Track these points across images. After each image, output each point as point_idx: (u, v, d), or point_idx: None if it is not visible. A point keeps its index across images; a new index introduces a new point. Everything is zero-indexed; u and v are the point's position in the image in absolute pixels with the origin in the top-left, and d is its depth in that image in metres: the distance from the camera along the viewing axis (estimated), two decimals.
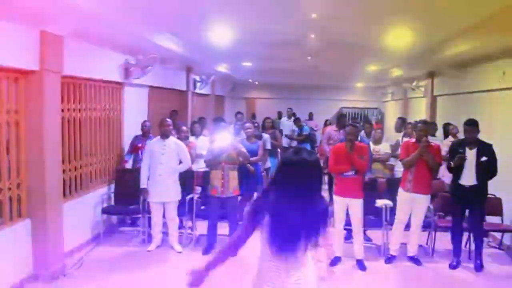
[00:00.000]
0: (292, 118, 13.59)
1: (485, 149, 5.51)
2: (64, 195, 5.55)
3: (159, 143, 6.00)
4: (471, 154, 5.53)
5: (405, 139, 7.32)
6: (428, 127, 5.92)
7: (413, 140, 5.91)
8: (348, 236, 6.15)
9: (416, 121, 6.19)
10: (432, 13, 5.25)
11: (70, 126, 5.80)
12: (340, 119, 8.00)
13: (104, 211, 6.37)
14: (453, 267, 5.71)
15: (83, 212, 6.08)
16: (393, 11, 5.21)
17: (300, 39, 7.27)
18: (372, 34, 6.63)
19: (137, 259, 5.75)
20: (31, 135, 4.78)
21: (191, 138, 7.51)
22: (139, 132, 7.14)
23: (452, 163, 5.65)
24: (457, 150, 5.63)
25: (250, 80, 17.14)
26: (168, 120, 6.13)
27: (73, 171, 5.91)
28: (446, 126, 8.26)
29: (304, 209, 2.36)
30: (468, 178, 5.55)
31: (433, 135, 8.54)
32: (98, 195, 6.46)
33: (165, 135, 6.01)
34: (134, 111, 7.58)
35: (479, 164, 5.48)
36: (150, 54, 6.98)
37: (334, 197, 5.72)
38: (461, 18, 5.30)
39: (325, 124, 14.62)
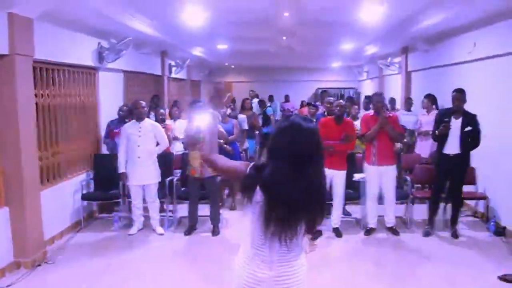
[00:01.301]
0: (257, 100, 13.64)
1: (470, 119, 5.60)
2: (42, 182, 5.50)
3: (135, 126, 5.95)
4: (456, 124, 5.63)
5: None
6: (382, 98, 6.00)
7: (371, 113, 6.00)
8: (327, 212, 6.25)
9: (374, 94, 6.26)
10: None
11: (45, 112, 5.71)
12: (322, 95, 8.09)
13: (84, 197, 6.32)
14: (426, 234, 5.88)
15: (63, 199, 6.02)
16: None
17: (274, 18, 7.24)
18: (346, 9, 6.64)
19: (119, 243, 5.74)
20: (4, 121, 4.69)
21: (169, 121, 7.48)
22: (116, 117, 7.05)
23: (437, 131, 5.75)
24: (442, 119, 5.72)
25: (226, 64, 17.06)
26: (142, 102, 6.07)
27: (50, 158, 5.85)
28: (409, 100, 8.78)
29: (303, 183, 2.05)
30: (452, 147, 5.65)
31: (409, 109, 8.71)
32: (77, 181, 6.39)
33: (140, 118, 5.97)
34: (110, 96, 7.50)
35: (463, 134, 5.58)
36: (124, 38, 6.89)
37: None
38: None
39: (301, 105, 14.72)
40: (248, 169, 2.14)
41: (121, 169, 5.97)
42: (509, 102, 5.89)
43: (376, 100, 5.91)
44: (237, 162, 2.31)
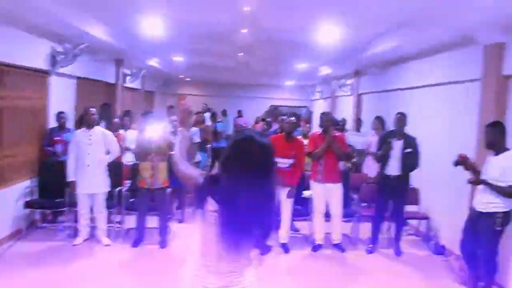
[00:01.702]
0: (209, 114, 13.66)
1: (410, 142, 5.86)
2: None
3: (85, 134, 5.83)
4: (397, 145, 5.86)
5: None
6: (332, 117, 6.18)
7: (319, 132, 6.17)
8: (276, 227, 6.32)
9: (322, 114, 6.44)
10: (358, 13, 5.51)
11: None
12: (274, 111, 8.21)
13: (27, 205, 6.09)
14: (369, 252, 6.07)
15: (4, 206, 5.77)
16: (324, 8, 5.40)
17: (232, 33, 7.32)
18: (303, 30, 6.81)
19: (63, 254, 5.56)
20: None
21: (120, 131, 7.37)
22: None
23: (379, 152, 5.96)
24: (386, 141, 5.95)
25: (181, 76, 17.00)
26: (92, 109, 5.94)
27: None
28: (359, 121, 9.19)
29: (257, 195, 2.10)
30: (393, 168, 5.88)
31: (358, 130, 9.00)
32: (21, 188, 6.16)
33: (90, 125, 5.86)
34: (61, 102, 7.27)
35: (403, 155, 5.82)
36: (79, 43, 6.77)
37: None
38: (384, 17, 5.58)
39: (256, 122, 14.85)
40: (201, 180, 2.19)
41: (70, 177, 5.81)
42: (450, 128, 6.21)
43: (324, 119, 6.06)
44: (195, 170, 2.35)
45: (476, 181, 4.53)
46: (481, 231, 4.48)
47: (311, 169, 6.19)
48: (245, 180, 2.08)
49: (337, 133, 6.13)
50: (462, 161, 4.67)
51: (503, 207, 4.34)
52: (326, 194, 5.98)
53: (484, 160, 4.63)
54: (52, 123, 6.89)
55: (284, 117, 6.11)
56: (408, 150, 5.80)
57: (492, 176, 4.39)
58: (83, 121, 5.94)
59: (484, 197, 4.45)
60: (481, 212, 4.47)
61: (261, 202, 2.11)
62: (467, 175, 4.69)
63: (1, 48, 5.35)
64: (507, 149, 4.44)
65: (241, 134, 2.25)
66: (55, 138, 6.63)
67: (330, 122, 6.02)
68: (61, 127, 6.71)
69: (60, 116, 6.75)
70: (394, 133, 5.97)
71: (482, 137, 4.66)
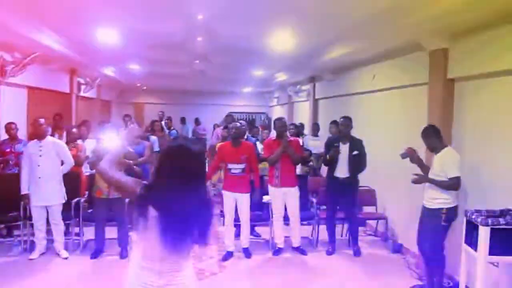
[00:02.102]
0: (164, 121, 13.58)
1: (357, 144, 6.08)
2: None
3: (36, 145, 5.71)
4: (344, 148, 6.05)
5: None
6: (285, 122, 6.31)
7: (273, 137, 6.30)
8: (238, 234, 6.36)
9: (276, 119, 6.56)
10: (311, 19, 5.64)
11: None
12: (227, 118, 8.27)
13: None
14: (329, 253, 6.21)
15: None
16: (277, 14, 5.48)
17: (187, 42, 7.32)
18: (257, 37, 6.90)
19: (18, 269, 5.40)
20: None
21: (79, 141, 7.22)
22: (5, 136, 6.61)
23: (328, 156, 6.12)
24: (332, 145, 6.13)
25: (138, 85, 16.80)
26: (41, 119, 5.80)
27: None
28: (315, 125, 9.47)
29: (192, 199, 2.25)
30: (342, 170, 6.07)
31: (316, 134, 9.18)
32: None
33: (40, 136, 5.73)
34: (11, 113, 7.09)
35: (351, 158, 6.01)
36: (29, 52, 6.62)
37: (223, 192, 5.93)
38: (335, 24, 5.75)
39: (214, 128, 14.87)
40: (139, 189, 2.29)
41: (24, 190, 5.66)
42: (404, 129, 6.43)
43: (278, 125, 6.17)
44: (130, 179, 2.37)
45: (419, 179, 4.73)
46: (427, 226, 4.68)
47: (268, 174, 6.28)
48: (177, 185, 2.24)
49: (291, 138, 6.26)
50: (409, 154, 4.90)
51: (447, 203, 4.52)
52: (284, 198, 6.07)
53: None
54: (3, 135, 6.68)
55: (231, 124, 6.18)
56: (355, 152, 6.01)
57: (434, 172, 4.61)
58: (34, 132, 5.78)
59: (430, 193, 4.64)
60: (428, 208, 4.66)
61: (195, 205, 2.27)
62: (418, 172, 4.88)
63: None
64: (445, 146, 4.68)
65: (173, 143, 2.45)
66: (6, 150, 6.44)
67: (284, 128, 6.13)
68: (12, 139, 6.52)
69: (9, 127, 6.52)
70: (340, 137, 6.16)
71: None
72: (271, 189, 6.15)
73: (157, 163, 2.38)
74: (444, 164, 4.54)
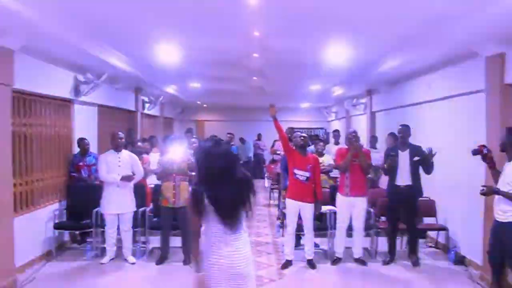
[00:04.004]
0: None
1: (416, 150, 6.04)
2: (15, 209, 5.56)
3: (114, 155, 6.14)
4: (403, 156, 6.03)
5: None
6: (355, 132, 6.29)
7: (346, 147, 6.34)
8: (297, 244, 6.45)
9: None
10: (365, 32, 5.72)
11: (20, 141, 5.85)
12: (289, 131, 8.41)
13: (56, 226, 6.38)
14: (386, 263, 6.15)
15: (35, 227, 6.06)
16: (331, 27, 5.62)
17: (244, 58, 7.58)
18: (313, 51, 7.04)
19: (91, 272, 5.79)
20: None
21: (144, 155, 7.65)
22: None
23: (385, 165, 6.12)
24: (390, 154, 6.12)
25: (198, 102, 17.34)
26: (120, 133, 6.28)
27: (24, 185, 5.93)
28: (374, 138, 9.40)
29: (228, 186, 2.96)
30: (403, 178, 6.02)
31: (374, 147, 9.13)
32: (50, 210, 6.46)
33: (118, 148, 6.16)
34: (84, 128, 7.64)
35: (412, 165, 5.97)
36: (100, 73, 7.12)
37: (287, 200, 6.02)
38: (389, 35, 5.79)
39: (273, 145, 15.08)
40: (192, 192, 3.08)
41: (115, 179, 6.03)
42: (462, 138, 6.32)
43: (348, 132, 6.24)
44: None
45: (488, 191, 4.45)
46: (506, 241, 4.32)
47: (339, 183, 6.35)
48: (213, 180, 2.96)
49: (363, 148, 6.27)
50: (480, 151, 4.63)
51: None
52: (350, 208, 6.08)
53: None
54: (77, 149, 7.22)
55: (296, 133, 6.32)
56: (416, 158, 5.96)
57: (506, 180, 4.29)
58: (112, 144, 6.23)
59: (502, 207, 4.33)
60: (502, 222, 4.34)
61: (238, 190, 3.00)
62: (480, 183, 4.74)
63: (29, 78, 5.70)
64: None
65: (199, 151, 3.29)
66: (79, 164, 6.95)
67: (355, 138, 6.11)
68: (83, 153, 7.02)
69: (81, 142, 7.05)
70: (399, 145, 6.15)
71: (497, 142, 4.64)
72: (339, 197, 6.18)
73: (199, 164, 3.15)
74: None
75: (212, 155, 2.99)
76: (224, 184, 2.95)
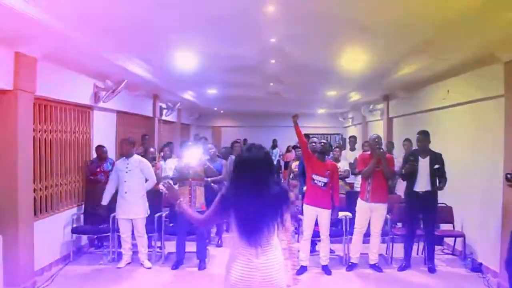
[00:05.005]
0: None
1: (437, 158, 6.01)
2: (35, 213, 5.67)
3: (123, 162, 6.25)
4: (424, 162, 5.99)
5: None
6: (379, 138, 6.30)
7: (369, 152, 6.32)
8: (312, 249, 6.45)
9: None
10: (382, 35, 5.71)
11: (41, 146, 5.97)
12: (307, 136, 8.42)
13: (74, 230, 6.49)
14: (401, 269, 6.12)
15: (53, 231, 6.18)
16: (349, 34, 5.62)
17: (260, 64, 7.63)
18: (329, 57, 7.05)
19: (107, 276, 5.87)
20: (4, 153, 4.95)
21: (161, 162, 7.75)
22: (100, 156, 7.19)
23: (403, 170, 6.09)
24: (409, 159, 6.09)
25: (215, 109, 17.45)
26: (130, 138, 6.40)
27: (44, 190, 6.05)
28: (390, 144, 9.28)
29: (260, 198, 2.74)
30: (422, 184, 5.99)
31: (390, 153, 9.08)
32: (68, 215, 6.58)
33: (128, 154, 6.25)
34: (103, 134, 7.78)
35: (432, 171, 5.94)
36: (119, 80, 7.24)
37: (304, 206, 6.01)
38: (406, 40, 5.77)
39: (287, 150, 15.17)
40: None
41: (104, 202, 6.22)
42: (481, 144, 6.27)
43: (372, 139, 6.21)
44: (209, 211, 2.92)
45: None
46: None
47: (360, 188, 6.35)
48: (246, 188, 2.75)
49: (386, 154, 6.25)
50: None
51: None
52: (370, 213, 6.07)
53: None
54: (96, 154, 7.33)
55: (315, 139, 6.34)
56: (436, 166, 5.92)
57: None
58: (121, 151, 6.32)
59: None
60: None
61: (264, 203, 2.75)
62: (498, 190, 4.70)
63: (50, 85, 5.82)
64: None
65: (237, 156, 2.98)
66: (96, 170, 7.06)
67: (378, 144, 6.10)
68: (100, 159, 7.12)
69: (98, 149, 7.16)
70: (418, 152, 6.11)
71: None
72: (360, 202, 6.16)
73: (232, 168, 2.92)
74: None
75: (251, 161, 2.80)
76: (257, 197, 2.75)
